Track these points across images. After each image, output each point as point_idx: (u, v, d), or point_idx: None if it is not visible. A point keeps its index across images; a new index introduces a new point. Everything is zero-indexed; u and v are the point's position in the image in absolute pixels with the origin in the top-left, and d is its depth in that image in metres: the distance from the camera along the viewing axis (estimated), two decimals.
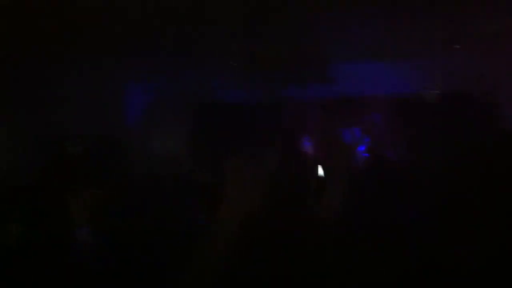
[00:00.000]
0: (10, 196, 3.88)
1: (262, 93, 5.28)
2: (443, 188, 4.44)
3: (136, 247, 3.54)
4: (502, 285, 2.64)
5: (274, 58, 4.91)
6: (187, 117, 5.67)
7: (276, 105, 5.23)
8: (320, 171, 3.67)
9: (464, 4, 3.71)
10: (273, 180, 3.61)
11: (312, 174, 3.78)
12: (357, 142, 4.77)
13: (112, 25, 4.14)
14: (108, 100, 5.47)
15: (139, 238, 3.72)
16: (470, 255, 2.94)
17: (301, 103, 5.24)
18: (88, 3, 3.61)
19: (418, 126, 4.63)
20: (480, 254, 2.89)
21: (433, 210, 4.08)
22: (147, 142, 5.56)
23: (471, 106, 4.59)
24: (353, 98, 5.02)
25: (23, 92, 5.00)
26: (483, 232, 3.01)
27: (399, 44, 4.59)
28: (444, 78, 4.70)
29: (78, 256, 3.25)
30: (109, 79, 5.43)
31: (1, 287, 3.09)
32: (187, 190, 4.33)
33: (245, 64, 5.02)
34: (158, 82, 5.67)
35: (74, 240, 3.42)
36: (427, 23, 4.14)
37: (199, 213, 3.94)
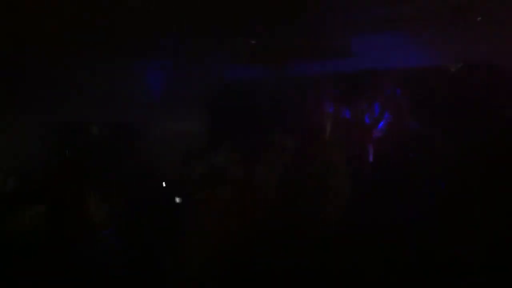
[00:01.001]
0: (26, 187, 3.92)
1: (279, 70, 5.20)
2: (467, 162, 4.36)
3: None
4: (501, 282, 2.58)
5: (289, 32, 4.81)
6: (203, 102, 5.66)
7: (292, 81, 5.16)
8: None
9: None
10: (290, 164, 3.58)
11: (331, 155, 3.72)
12: (376, 118, 4.69)
13: (126, 12, 4.11)
14: (123, 87, 5.48)
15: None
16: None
17: (319, 78, 5.16)
18: None
19: (440, 100, 4.52)
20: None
21: (457, 184, 4.01)
22: (163, 129, 5.56)
23: (494, 78, 4.45)
24: (372, 72, 4.91)
25: (39, 82, 5.04)
26: None
27: (419, 16, 4.44)
28: (466, 50, 4.56)
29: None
30: (123, 65, 5.43)
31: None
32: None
33: (261, 42, 4.95)
34: (174, 67, 5.65)
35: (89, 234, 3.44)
36: None
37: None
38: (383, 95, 4.83)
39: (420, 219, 3.53)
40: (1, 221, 3.61)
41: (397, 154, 4.43)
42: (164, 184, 4.72)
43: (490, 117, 4.39)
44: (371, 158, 4.39)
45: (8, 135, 4.85)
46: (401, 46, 4.73)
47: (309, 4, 4.27)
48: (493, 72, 4.40)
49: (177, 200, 4.44)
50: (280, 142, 4.43)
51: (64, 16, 4.17)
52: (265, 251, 3.02)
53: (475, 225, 3.31)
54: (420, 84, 4.63)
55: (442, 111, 4.44)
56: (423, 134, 4.43)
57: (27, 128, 4.93)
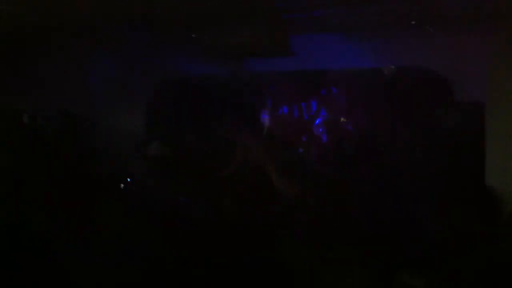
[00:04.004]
0: None
1: (222, 67, 5.28)
2: (401, 159, 4.57)
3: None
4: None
5: (235, 32, 4.89)
6: (149, 94, 5.69)
7: (236, 78, 5.26)
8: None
9: None
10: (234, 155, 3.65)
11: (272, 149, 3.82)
12: (313, 115, 4.85)
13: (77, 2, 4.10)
14: (73, 76, 5.44)
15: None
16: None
17: (261, 76, 5.28)
18: None
19: (375, 100, 4.72)
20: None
21: (395, 182, 4.19)
22: (110, 118, 5.56)
23: (426, 81, 4.69)
24: (311, 72, 5.06)
25: None
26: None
27: (360, 19, 4.62)
28: (401, 54, 4.77)
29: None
30: (74, 55, 5.38)
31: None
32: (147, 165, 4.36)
33: (207, 39, 5.00)
34: (123, 59, 5.64)
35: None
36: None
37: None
38: (320, 94, 5.00)
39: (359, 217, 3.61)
40: None
41: (332, 151, 4.60)
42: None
43: (420, 117, 4.64)
44: (308, 153, 4.55)
45: None
46: (339, 48, 4.89)
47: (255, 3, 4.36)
48: (424, 75, 4.64)
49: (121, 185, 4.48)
50: (223, 135, 4.51)
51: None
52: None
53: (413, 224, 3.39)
54: (355, 84, 4.81)
55: (375, 110, 4.65)
56: (357, 132, 4.62)
57: None
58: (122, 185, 4.51)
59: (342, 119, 4.74)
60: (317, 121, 4.82)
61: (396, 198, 3.67)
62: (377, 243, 3.02)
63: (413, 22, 4.42)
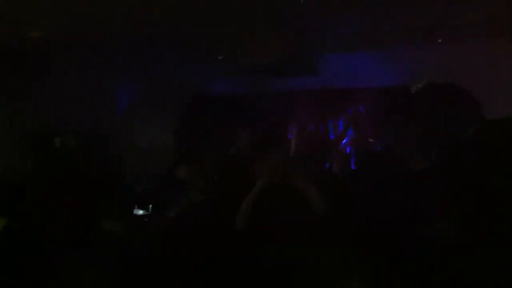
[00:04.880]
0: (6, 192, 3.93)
1: (248, 85, 5.31)
2: (429, 179, 4.49)
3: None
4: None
5: (261, 50, 4.92)
6: (175, 110, 5.74)
7: (261, 97, 5.27)
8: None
9: None
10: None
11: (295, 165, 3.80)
12: (340, 135, 4.82)
13: (102, 20, 4.17)
14: (99, 94, 5.52)
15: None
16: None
17: (286, 95, 5.28)
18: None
19: (402, 118, 4.67)
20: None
21: (420, 203, 4.12)
22: (136, 135, 5.62)
23: (454, 97, 4.62)
24: (337, 90, 5.04)
25: (14, 88, 5.06)
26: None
27: (385, 36, 4.60)
28: (428, 71, 4.72)
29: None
30: (100, 73, 5.47)
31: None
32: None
33: (232, 56, 5.04)
34: (148, 76, 5.72)
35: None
36: (411, 16, 4.15)
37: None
38: (347, 113, 4.98)
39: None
40: None
41: (361, 170, 4.55)
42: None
43: (450, 134, 4.57)
44: (335, 171, 4.50)
45: None
46: (366, 66, 4.87)
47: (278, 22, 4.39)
48: (453, 92, 4.58)
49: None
50: (249, 153, 4.52)
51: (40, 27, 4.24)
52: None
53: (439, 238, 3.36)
54: (383, 102, 4.77)
55: (404, 128, 4.60)
56: (386, 151, 4.56)
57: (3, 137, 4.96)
58: (150, 207, 4.57)
59: (369, 138, 4.70)
60: (344, 141, 4.80)
61: (425, 217, 3.62)
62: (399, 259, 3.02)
63: (439, 41, 4.39)
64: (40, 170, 4.97)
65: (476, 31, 4.29)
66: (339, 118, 5.07)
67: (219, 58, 4.99)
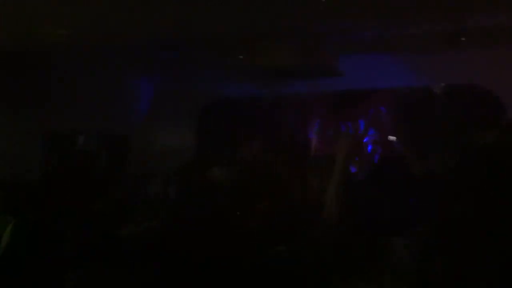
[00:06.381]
0: (21, 192, 3.92)
1: (268, 87, 5.30)
2: (447, 181, 4.44)
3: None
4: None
5: (280, 52, 4.92)
6: (194, 114, 5.73)
7: (282, 99, 5.26)
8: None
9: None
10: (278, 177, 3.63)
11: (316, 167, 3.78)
12: (361, 134, 4.80)
13: (119, 25, 4.20)
14: (117, 98, 5.54)
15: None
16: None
17: (307, 96, 5.27)
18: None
19: (423, 119, 4.63)
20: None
21: (438, 205, 4.07)
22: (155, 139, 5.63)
23: (476, 100, 4.59)
24: (358, 91, 5.02)
25: (32, 91, 5.09)
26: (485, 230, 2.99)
27: (404, 38, 4.58)
28: (450, 72, 4.69)
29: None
30: (118, 77, 5.50)
31: None
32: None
33: (251, 58, 5.03)
34: (165, 80, 5.73)
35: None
36: (433, 18, 4.14)
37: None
38: (368, 113, 4.96)
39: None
40: None
41: (380, 171, 4.52)
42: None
43: (469, 137, 4.52)
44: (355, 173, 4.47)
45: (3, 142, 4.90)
46: (386, 67, 4.85)
47: (300, 24, 4.39)
48: (474, 94, 4.54)
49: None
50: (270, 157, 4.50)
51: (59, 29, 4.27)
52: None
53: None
54: (404, 103, 4.75)
55: (424, 130, 4.55)
56: (405, 151, 4.53)
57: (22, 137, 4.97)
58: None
59: (390, 138, 4.67)
60: (365, 139, 4.77)
61: (444, 220, 3.55)
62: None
63: (463, 39, 4.35)
64: (56, 172, 4.96)
65: (498, 35, 4.26)
66: (360, 118, 5.05)
67: (240, 58, 4.98)
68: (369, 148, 4.68)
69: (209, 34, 4.53)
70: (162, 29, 4.40)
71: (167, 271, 3.00)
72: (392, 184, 4.13)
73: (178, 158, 5.24)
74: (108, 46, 4.76)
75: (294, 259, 2.97)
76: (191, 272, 2.93)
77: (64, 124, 5.25)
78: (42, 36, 4.43)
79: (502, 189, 3.49)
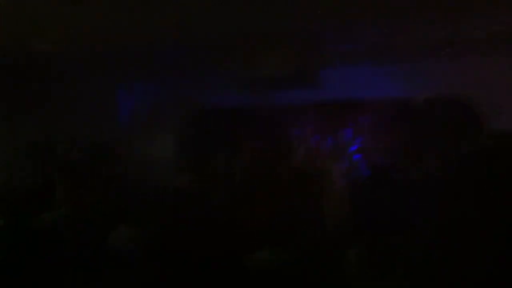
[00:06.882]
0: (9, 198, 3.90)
1: (255, 98, 5.31)
2: (434, 189, 4.50)
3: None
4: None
5: (267, 63, 4.94)
6: (181, 123, 5.72)
7: (269, 109, 5.27)
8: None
9: (454, 10, 3.77)
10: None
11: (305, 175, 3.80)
12: (348, 142, 4.84)
13: (107, 33, 4.18)
14: (103, 106, 5.52)
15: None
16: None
17: (294, 106, 5.29)
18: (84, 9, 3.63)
19: (409, 128, 4.70)
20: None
21: (426, 211, 4.12)
22: (141, 148, 5.59)
23: (460, 110, 4.67)
24: (345, 101, 5.07)
25: (22, 98, 5.06)
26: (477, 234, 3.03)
27: (392, 49, 4.65)
28: (434, 83, 4.77)
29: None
30: (104, 85, 5.47)
31: None
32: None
33: (239, 69, 5.04)
34: (153, 88, 5.72)
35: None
36: (418, 28, 4.20)
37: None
38: (354, 124, 5.01)
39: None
40: None
41: (369, 178, 4.56)
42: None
43: (452, 147, 4.60)
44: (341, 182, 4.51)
45: None
46: (370, 79, 4.91)
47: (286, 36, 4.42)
48: (455, 105, 4.62)
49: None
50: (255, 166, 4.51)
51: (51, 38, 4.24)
52: None
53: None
54: (387, 114, 4.81)
55: (406, 140, 4.62)
56: (389, 161, 4.58)
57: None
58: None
59: (377, 147, 4.74)
60: (353, 148, 4.82)
61: (431, 228, 3.60)
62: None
63: (448, 50, 4.43)
64: (42, 178, 4.92)
65: (482, 46, 4.35)
66: (347, 128, 5.09)
67: (225, 69, 4.98)
68: (356, 156, 4.74)
69: (194, 43, 4.54)
70: (148, 38, 4.39)
71: (164, 273, 3.00)
72: (379, 190, 4.18)
73: (165, 166, 5.24)
74: (92, 55, 4.75)
75: (292, 260, 3.00)
76: (191, 272, 2.93)
77: (48, 134, 5.22)
78: (27, 47, 4.40)
79: (486, 194, 3.54)
